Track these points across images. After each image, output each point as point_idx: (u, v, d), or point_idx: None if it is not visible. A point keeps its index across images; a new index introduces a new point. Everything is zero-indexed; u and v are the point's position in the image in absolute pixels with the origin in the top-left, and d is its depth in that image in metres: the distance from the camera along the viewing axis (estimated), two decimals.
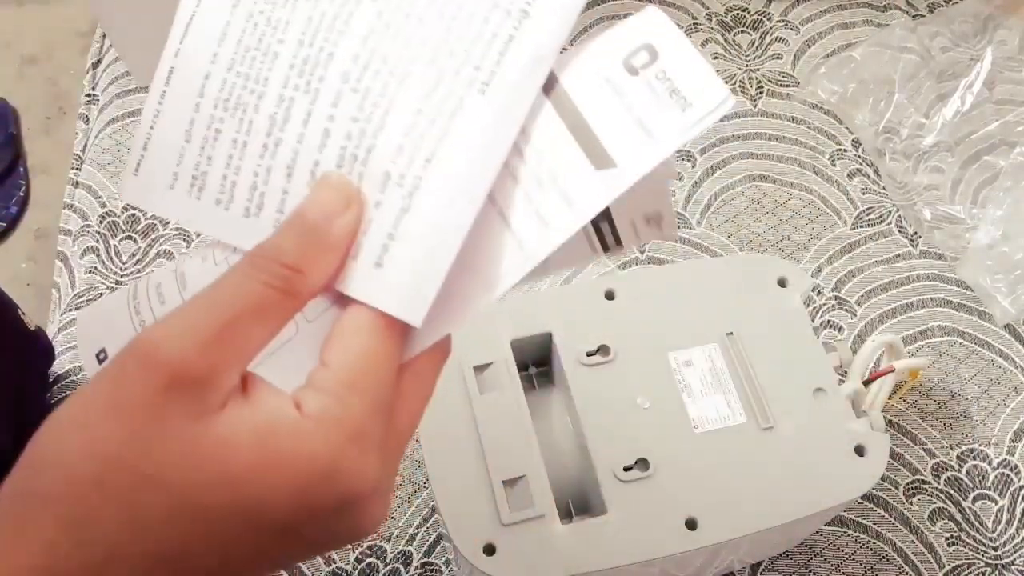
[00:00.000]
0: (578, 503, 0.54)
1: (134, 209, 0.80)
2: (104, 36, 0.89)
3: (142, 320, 0.30)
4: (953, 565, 0.65)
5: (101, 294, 0.75)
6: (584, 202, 0.26)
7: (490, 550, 0.48)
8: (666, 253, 0.78)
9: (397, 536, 0.65)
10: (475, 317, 0.26)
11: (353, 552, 0.64)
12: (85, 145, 0.84)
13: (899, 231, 0.79)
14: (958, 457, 0.69)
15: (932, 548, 0.65)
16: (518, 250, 0.26)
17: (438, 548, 0.65)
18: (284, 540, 0.24)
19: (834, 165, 0.82)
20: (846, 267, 0.77)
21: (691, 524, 0.49)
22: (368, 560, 0.64)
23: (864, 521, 0.66)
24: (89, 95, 0.87)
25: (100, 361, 0.31)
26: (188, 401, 0.23)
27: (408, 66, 0.26)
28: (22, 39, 0.92)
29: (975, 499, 0.67)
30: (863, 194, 0.81)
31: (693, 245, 0.78)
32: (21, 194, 0.83)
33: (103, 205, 0.80)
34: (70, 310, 0.75)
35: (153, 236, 0.78)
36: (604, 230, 0.29)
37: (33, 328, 0.68)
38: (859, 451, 0.52)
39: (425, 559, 0.64)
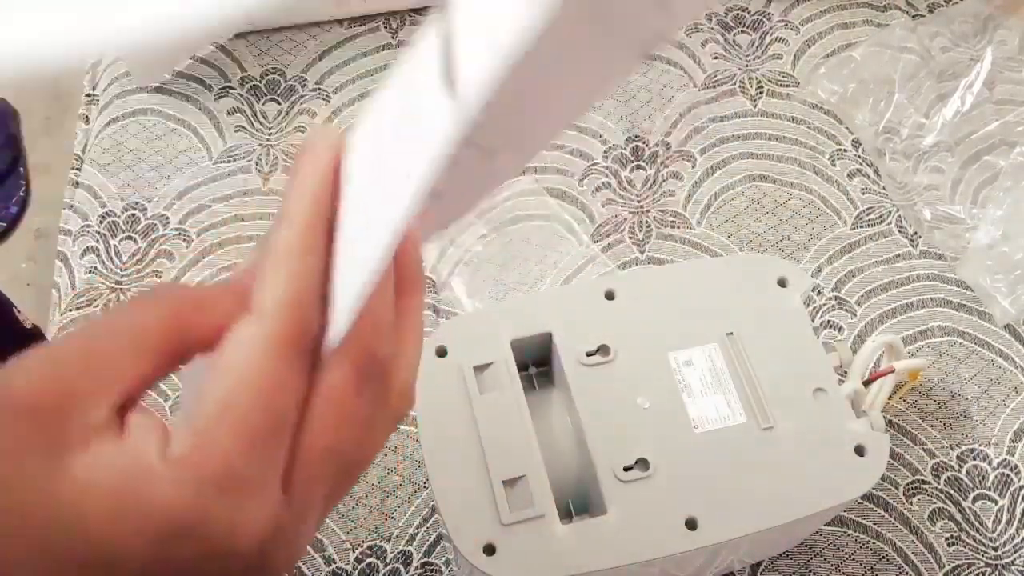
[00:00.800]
0: (578, 503, 0.54)
1: (134, 209, 0.80)
2: None
3: None
4: (953, 565, 0.65)
5: (101, 294, 0.75)
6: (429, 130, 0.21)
7: (490, 550, 0.48)
8: (666, 253, 0.78)
9: (397, 536, 0.65)
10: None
11: (353, 552, 0.64)
12: (85, 145, 0.84)
13: (899, 231, 0.79)
14: (958, 457, 0.69)
15: (932, 548, 0.65)
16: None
17: (438, 548, 0.65)
18: None
19: (834, 165, 0.82)
20: (846, 267, 0.77)
21: (691, 524, 0.49)
22: (368, 560, 0.64)
23: (864, 521, 0.66)
24: (89, 95, 0.87)
25: None
26: (44, 436, 0.20)
27: None
28: None
29: (975, 499, 0.67)
30: (863, 194, 0.81)
31: (693, 245, 0.78)
32: (21, 194, 0.83)
33: (103, 205, 0.80)
34: (70, 310, 0.75)
35: (153, 236, 0.78)
36: None
37: (30, 326, 0.68)
38: (859, 451, 0.52)
39: (425, 559, 0.64)
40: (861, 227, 0.79)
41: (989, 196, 0.79)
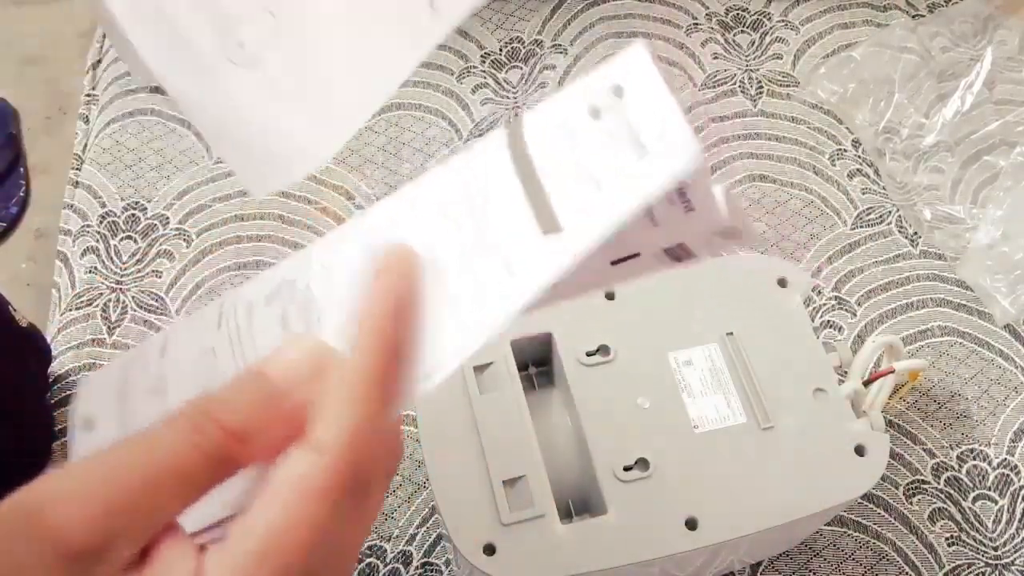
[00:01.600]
0: (578, 503, 0.54)
1: (134, 209, 0.80)
2: (104, 36, 0.89)
3: (129, 402, 0.29)
4: (953, 565, 0.65)
5: (101, 294, 0.75)
6: (527, 273, 0.22)
7: (490, 550, 0.48)
8: None
9: (397, 536, 0.65)
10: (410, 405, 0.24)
11: None
12: (85, 145, 0.84)
13: (899, 231, 0.79)
14: (958, 457, 0.69)
15: (932, 548, 0.65)
16: (459, 332, 0.23)
17: (438, 548, 0.65)
18: None
19: (834, 165, 0.82)
20: (846, 267, 0.77)
21: (691, 524, 0.49)
22: (368, 560, 0.64)
23: (864, 521, 0.66)
24: (89, 95, 0.87)
25: (87, 428, 0.29)
26: (93, 571, 0.20)
27: None
28: (22, 39, 0.92)
29: (975, 499, 0.67)
30: (863, 194, 0.81)
31: None
32: (21, 194, 0.83)
33: (103, 205, 0.80)
34: (70, 310, 0.75)
35: (153, 236, 0.78)
36: (673, 252, 0.26)
37: (26, 325, 0.68)
38: (859, 451, 0.52)
39: (425, 559, 0.64)
40: (861, 227, 0.79)
41: (989, 196, 0.79)
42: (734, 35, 0.91)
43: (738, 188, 0.81)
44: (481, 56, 0.88)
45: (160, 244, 0.78)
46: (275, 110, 0.28)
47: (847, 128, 0.84)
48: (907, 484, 0.68)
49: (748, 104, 0.86)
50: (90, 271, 0.76)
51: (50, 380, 0.71)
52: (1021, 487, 0.68)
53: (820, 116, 0.85)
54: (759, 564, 0.65)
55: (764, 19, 0.92)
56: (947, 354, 0.73)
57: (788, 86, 0.87)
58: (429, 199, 0.25)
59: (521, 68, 0.88)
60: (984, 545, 0.65)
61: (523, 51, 0.89)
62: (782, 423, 0.53)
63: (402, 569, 0.64)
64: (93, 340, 0.73)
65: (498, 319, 0.23)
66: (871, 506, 0.66)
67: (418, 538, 0.65)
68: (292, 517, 0.20)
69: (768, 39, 0.90)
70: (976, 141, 0.82)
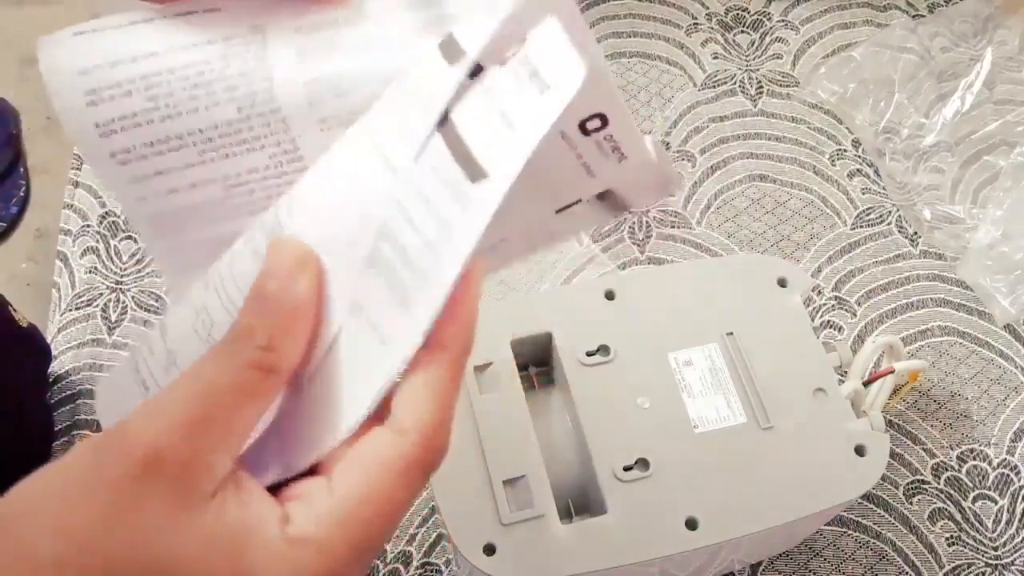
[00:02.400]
0: (578, 503, 0.54)
1: None
2: None
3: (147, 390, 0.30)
4: (953, 565, 0.65)
5: (101, 294, 0.75)
6: (466, 223, 0.24)
7: (490, 550, 0.48)
8: (666, 253, 0.78)
9: (397, 536, 0.65)
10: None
11: None
12: None
13: (899, 231, 0.79)
14: (958, 457, 0.69)
15: (932, 548, 0.65)
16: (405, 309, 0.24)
17: (438, 548, 0.65)
18: None
19: (834, 165, 0.82)
20: (846, 267, 0.77)
21: (691, 524, 0.49)
22: None
23: (864, 521, 0.66)
24: None
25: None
26: (171, 487, 0.21)
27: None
28: (22, 39, 0.92)
29: (975, 499, 0.67)
30: (863, 194, 0.81)
31: (693, 245, 0.78)
32: (21, 194, 0.83)
33: (103, 205, 0.80)
34: (70, 310, 0.75)
35: None
36: (606, 199, 0.28)
37: (26, 325, 0.68)
38: (859, 451, 0.52)
39: (425, 559, 0.64)
40: (861, 227, 0.79)
41: (989, 196, 0.79)
42: (734, 35, 0.91)
43: (738, 188, 0.81)
44: None
45: None
46: None
47: (847, 128, 0.84)
48: (907, 484, 0.68)
49: (748, 104, 0.86)
50: (90, 271, 0.76)
51: (50, 380, 0.71)
52: (1021, 487, 0.68)
53: (820, 116, 0.85)
54: (759, 564, 0.65)
55: (764, 19, 0.92)
56: (947, 354, 0.73)
57: (788, 86, 0.87)
58: (372, 139, 0.27)
59: None
60: (984, 545, 0.65)
61: None
62: (782, 423, 0.53)
63: (402, 569, 0.64)
64: (93, 340, 0.73)
65: (446, 273, 0.24)
66: (871, 506, 0.66)
67: (418, 538, 0.65)
68: (375, 490, 0.22)
69: (768, 39, 0.90)
70: (976, 141, 0.82)
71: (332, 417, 0.25)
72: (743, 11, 0.92)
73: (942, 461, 0.69)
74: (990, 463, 0.69)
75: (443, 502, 0.50)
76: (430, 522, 0.65)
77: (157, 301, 0.75)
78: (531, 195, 0.26)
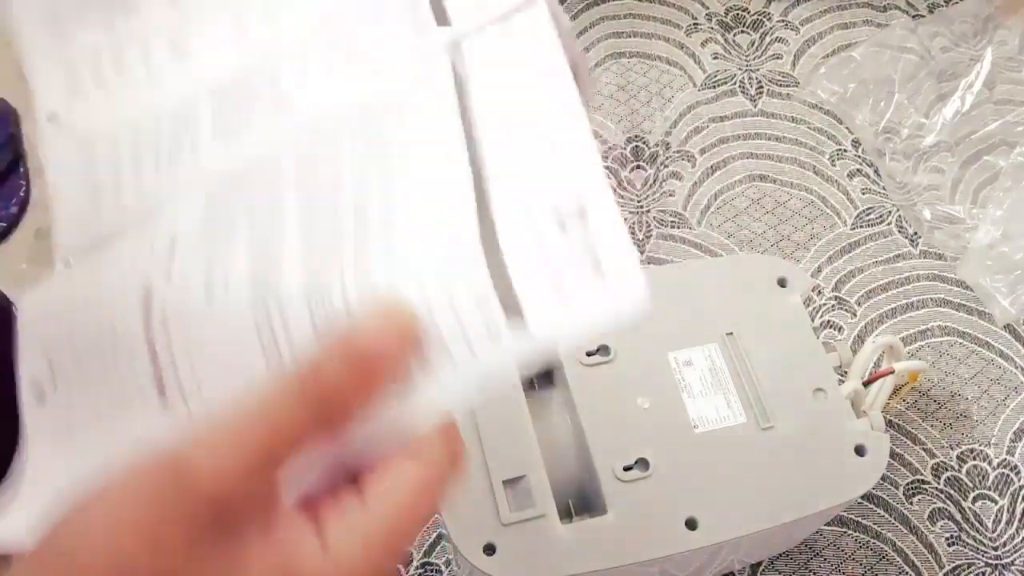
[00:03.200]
0: (578, 503, 0.54)
1: None
2: None
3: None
4: (953, 565, 0.65)
5: None
6: (490, 355, 0.25)
7: (490, 550, 0.48)
8: (666, 253, 0.78)
9: None
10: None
11: None
12: None
13: (899, 231, 0.79)
14: (958, 457, 0.69)
15: (932, 548, 0.65)
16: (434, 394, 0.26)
17: (438, 548, 0.65)
18: None
19: (834, 165, 0.82)
20: (846, 267, 0.77)
21: (691, 524, 0.49)
22: None
23: (864, 521, 0.66)
24: None
25: (39, 402, 0.30)
26: (225, 532, 0.22)
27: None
28: None
29: (975, 499, 0.67)
30: (863, 194, 0.81)
31: (693, 245, 0.78)
32: (21, 194, 0.83)
33: None
34: None
35: None
36: None
37: None
38: (859, 451, 0.52)
39: (425, 559, 0.64)
40: (861, 227, 0.79)
41: (989, 196, 0.79)
42: (734, 35, 0.91)
43: (738, 188, 0.81)
44: None
45: None
46: None
47: (847, 128, 0.84)
48: (907, 484, 0.68)
49: (748, 104, 0.86)
50: None
51: None
52: (1021, 487, 0.68)
53: (820, 116, 0.85)
54: (759, 564, 0.65)
55: (764, 19, 0.92)
56: (947, 354, 0.73)
57: (788, 86, 0.87)
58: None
59: None
60: (984, 545, 0.65)
61: None
62: (782, 423, 0.53)
63: (401, 569, 0.64)
64: None
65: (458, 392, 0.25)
66: (871, 506, 0.66)
67: (418, 538, 0.65)
68: (403, 511, 0.24)
69: (768, 39, 0.90)
70: (976, 141, 0.82)
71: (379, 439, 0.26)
72: (743, 11, 0.92)
73: (942, 461, 0.69)
74: (990, 463, 0.69)
75: (443, 502, 0.50)
76: (430, 522, 0.65)
77: None
78: None
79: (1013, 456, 0.69)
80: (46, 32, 0.34)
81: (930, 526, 0.66)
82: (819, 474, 0.52)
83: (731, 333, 0.55)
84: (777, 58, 0.89)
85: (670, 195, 0.80)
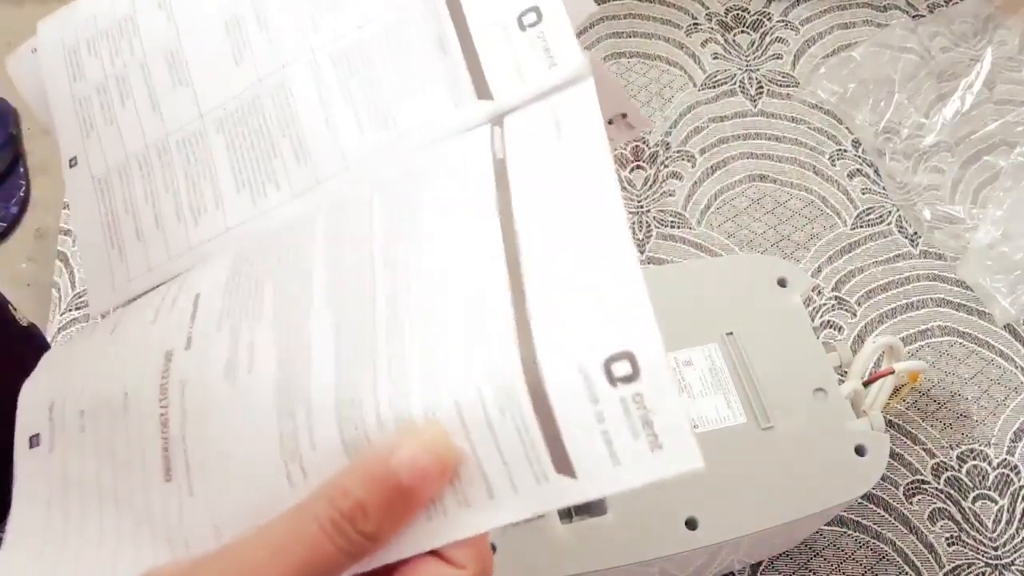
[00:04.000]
0: (578, 503, 0.54)
1: None
2: None
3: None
4: (953, 565, 0.65)
5: None
6: (533, 495, 0.24)
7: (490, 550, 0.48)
8: (666, 253, 0.78)
9: None
10: None
11: None
12: None
13: (899, 231, 0.79)
14: (958, 457, 0.69)
15: (932, 548, 0.65)
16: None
17: None
18: None
19: (834, 165, 0.82)
20: (846, 267, 0.77)
21: (691, 524, 0.49)
22: None
23: (864, 521, 0.66)
24: None
25: (32, 445, 0.30)
26: None
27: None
28: (22, 39, 0.92)
29: (975, 499, 0.67)
30: (863, 194, 0.81)
31: (693, 245, 0.78)
32: (21, 194, 0.83)
33: None
34: (70, 310, 0.75)
35: None
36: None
37: (26, 324, 0.68)
38: (859, 451, 0.52)
39: None
40: (861, 227, 0.79)
41: (989, 196, 0.79)
42: (734, 35, 0.91)
43: (738, 188, 0.81)
44: None
45: None
46: None
47: (847, 128, 0.84)
48: (907, 484, 0.68)
49: (748, 104, 0.86)
50: None
51: None
52: (1021, 487, 0.68)
53: (820, 116, 0.85)
54: (759, 564, 0.65)
55: (764, 19, 0.92)
56: (947, 354, 0.73)
57: (788, 86, 0.87)
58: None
59: None
60: (984, 545, 0.65)
61: None
62: (782, 423, 0.53)
63: None
64: None
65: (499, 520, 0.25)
66: (871, 506, 0.66)
67: None
68: None
69: (768, 39, 0.90)
70: (976, 141, 0.82)
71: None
72: (743, 11, 0.92)
73: (942, 461, 0.69)
74: (990, 463, 0.69)
75: None
76: None
77: None
78: None
79: (1013, 456, 0.69)
80: (65, 76, 0.34)
81: (930, 526, 0.66)
82: (819, 474, 0.52)
83: (731, 333, 0.55)
84: (777, 58, 0.89)
85: (670, 195, 0.81)
